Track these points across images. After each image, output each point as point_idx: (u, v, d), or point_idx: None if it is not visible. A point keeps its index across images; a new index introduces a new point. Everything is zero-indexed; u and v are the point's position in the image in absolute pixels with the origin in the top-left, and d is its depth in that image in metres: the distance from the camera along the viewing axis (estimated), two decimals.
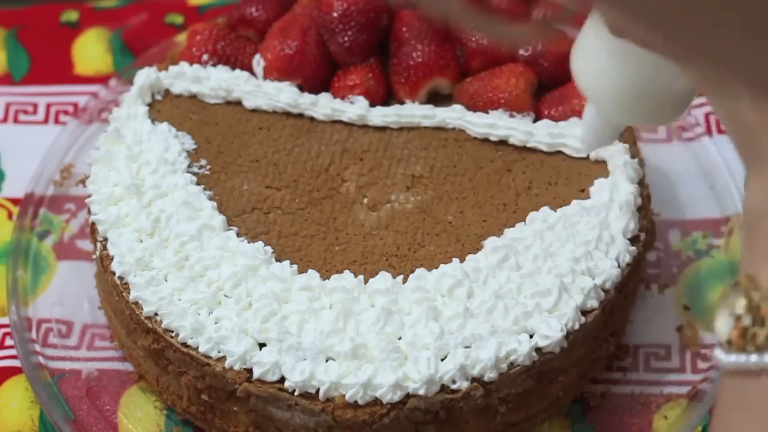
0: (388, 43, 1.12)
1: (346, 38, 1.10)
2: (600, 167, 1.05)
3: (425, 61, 1.10)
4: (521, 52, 1.11)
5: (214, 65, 1.13)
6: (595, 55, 0.87)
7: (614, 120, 0.93)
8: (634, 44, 0.77)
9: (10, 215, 1.17)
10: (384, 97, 1.12)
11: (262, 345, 0.94)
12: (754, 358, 0.69)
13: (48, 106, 1.26)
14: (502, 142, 1.07)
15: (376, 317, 0.94)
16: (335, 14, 1.10)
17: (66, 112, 1.25)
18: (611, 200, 1.02)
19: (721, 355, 0.71)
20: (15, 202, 1.17)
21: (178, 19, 1.34)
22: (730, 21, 0.69)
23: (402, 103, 1.11)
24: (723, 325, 0.71)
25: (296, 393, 0.92)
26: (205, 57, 1.13)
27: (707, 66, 0.74)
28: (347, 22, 1.10)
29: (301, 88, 1.11)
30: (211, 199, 1.04)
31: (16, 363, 1.06)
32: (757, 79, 0.72)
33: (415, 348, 0.92)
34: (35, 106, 1.26)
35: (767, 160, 0.73)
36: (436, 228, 1.02)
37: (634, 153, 1.06)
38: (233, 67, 1.13)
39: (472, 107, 1.09)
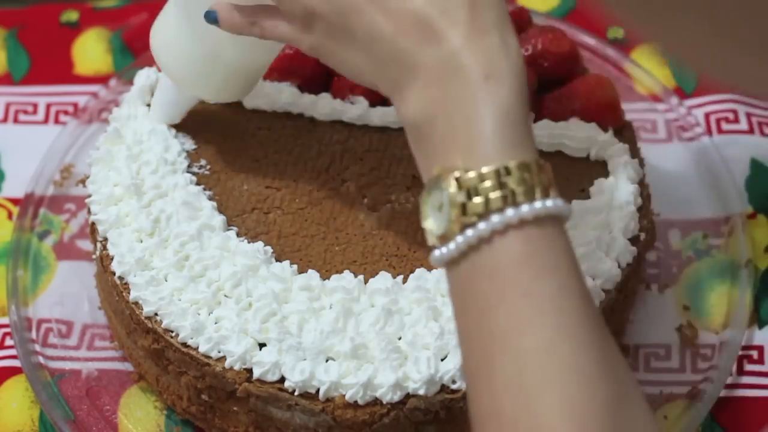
0: None
1: None
2: (600, 167, 1.05)
3: None
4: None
5: None
6: (172, 30, 0.99)
7: (186, 91, 1.03)
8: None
9: (10, 215, 1.17)
10: (384, 97, 1.11)
11: (262, 345, 0.94)
12: (482, 226, 0.75)
13: (48, 106, 1.26)
14: None
15: (376, 317, 0.94)
16: None
17: (66, 112, 1.25)
18: (611, 200, 1.01)
19: (439, 254, 0.78)
20: (15, 202, 1.17)
21: None
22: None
23: None
24: (434, 223, 0.78)
25: (296, 393, 0.92)
26: None
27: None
28: None
29: (301, 89, 1.11)
30: (211, 199, 1.04)
31: (16, 363, 1.06)
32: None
33: (415, 348, 0.92)
34: (35, 106, 1.26)
35: (412, 69, 0.80)
36: None
37: (634, 153, 1.06)
38: None
39: None
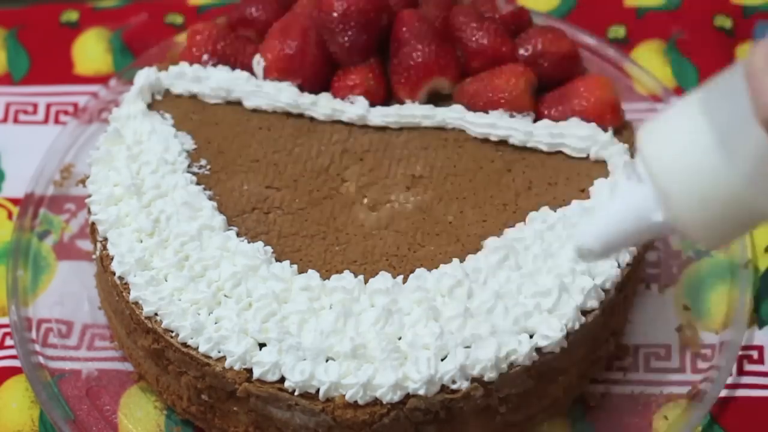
0: (388, 43, 1.12)
1: (346, 38, 1.10)
2: (600, 167, 1.05)
3: (425, 61, 1.10)
4: (521, 51, 1.11)
5: (214, 65, 1.13)
6: (697, 148, 0.69)
7: (689, 234, 0.73)
8: None
9: (10, 215, 1.17)
10: (384, 97, 1.12)
11: (262, 345, 0.94)
12: None
13: (48, 106, 1.26)
14: (502, 142, 1.07)
15: (376, 317, 0.94)
16: (335, 14, 1.10)
17: (66, 112, 1.25)
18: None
19: None
20: (15, 202, 1.17)
21: (178, 19, 1.34)
22: None
23: (402, 103, 1.11)
24: None
25: (296, 393, 0.92)
26: (205, 57, 1.13)
27: None
28: (347, 23, 1.10)
29: (302, 88, 1.11)
30: (211, 199, 1.04)
31: (16, 363, 1.06)
32: None
33: (415, 348, 0.92)
34: (35, 106, 1.26)
35: None
36: (436, 228, 1.02)
37: (634, 153, 1.06)
38: (233, 67, 1.13)
39: (472, 107, 1.09)
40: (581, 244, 0.77)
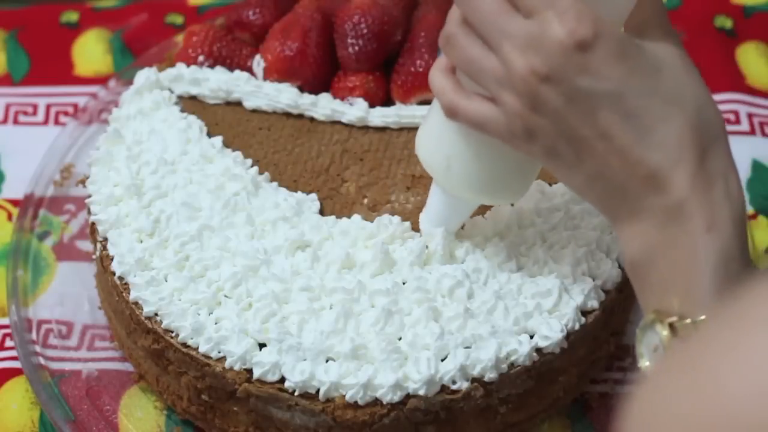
0: (398, 56, 1.12)
1: (356, 45, 1.10)
2: None
3: (425, 73, 1.10)
4: None
5: (210, 66, 1.13)
6: (446, 142, 0.90)
7: (470, 202, 0.95)
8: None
9: (9, 216, 1.17)
10: (383, 99, 1.12)
11: (262, 345, 0.94)
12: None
13: (48, 107, 1.26)
14: None
15: (377, 318, 0.94)
16: (351, 20, 1.10)
17: (66, 113, 1.25)
18: None
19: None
20: (15, 203, 1.17)
21: (178, 19, 1.34)
22: None
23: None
24: (649, 364, 0.80)
25: (296, 393, 0.92)
26: (200, 58, 1.13)
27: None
28: (360, 29, 1.10)
29: (301, 89, 1.12)
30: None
31: (16, 364, 1.06)
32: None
33: (415, 348, 0.92)
34: (35, 107, 1.26)
35: (636, 211, 0.80)
36: None
37: None
38: (229, 69, 1.13)
39: None
40: (425, 231, 0.98)
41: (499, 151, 0.88)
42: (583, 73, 0.78)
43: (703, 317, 0.76)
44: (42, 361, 1.05)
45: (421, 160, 0.94)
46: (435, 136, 0.92)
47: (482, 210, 1.00)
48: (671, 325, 0.78)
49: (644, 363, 0.80)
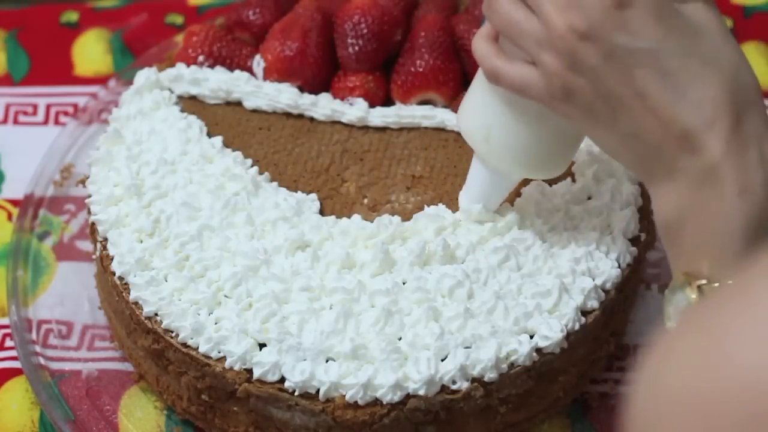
0: (397, 56, 1.12)
1: (356, 45, 1.10)
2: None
3: (425, 73, 1.10)
4: None
5: (210, 66, 1.13)
6: (489, 112, 0.92)
7: (510, 176, 0.96)
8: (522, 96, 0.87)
9: (9, 216, 1.17)
10: (383, 99, 1.12)
11: (262, 345, 0.94)
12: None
13: (48, 107, 1.26)
14: None
15: (377, 318, 0.94)
16: (351, 20, 1.10)
17: (66, 113, 1.25)
18: (612, 201, 1.02)
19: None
20: (15, 203, 1.17)
21: (178, 19, 1.34)
22: None
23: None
24: (675, 323, 0.80)
25: (296, 393, 0.92)
26: (200, 58, 1.13)
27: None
28: (360, 29, 1.10)
29: (301, 89, 1.11)
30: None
31: (16, 364, 1.06)
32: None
33: (415, 348, 0.92)
34: (35, 107, 1.26)
35: (670, 171, 0.79)
36: None
37: None
38: (229, 69, 1.13)
39: None
40: (464, 207, 0.99)
41: (540, 122, 0.90)
42: (621, 30, 0.80)
43: (730, 282, 0.77)
44: (42, 361, 1.05)
45: (461, 131, 0.95)
46: (476, 106, 0.93)
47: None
48: (700, 288, 0.78)
49: (671, 324, 0.80)
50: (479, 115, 0.93)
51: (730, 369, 0.54)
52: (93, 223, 1.03)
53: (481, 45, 0.90)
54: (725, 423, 0.53)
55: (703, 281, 0.79)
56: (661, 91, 0.80)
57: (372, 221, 1.01)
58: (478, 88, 0.93)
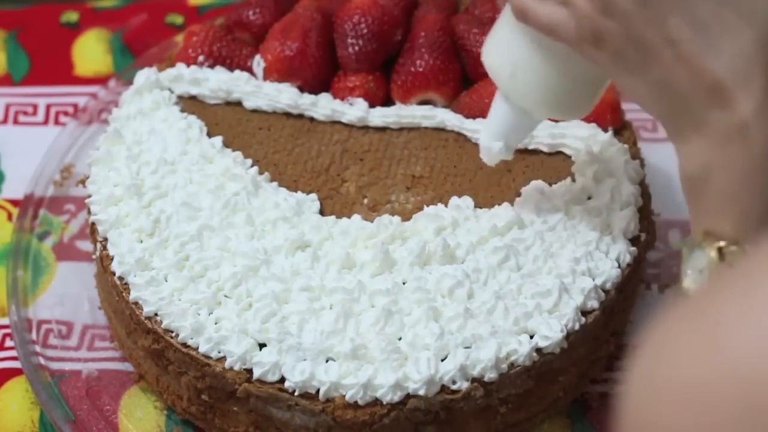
0: (397, 56, 1.12)
1: (356, 45, 1.10)
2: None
3: (425, 73, 1.10)
4: None
5: (210, 66, 1.13)
6: (515, 49, 0.90)
7: (534, 114, 0.94)
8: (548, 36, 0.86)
9: (9, 216, 1.17)
10: (383, 100, 1.12)
11: (262, 345, 0.94)
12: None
13: (48, 107, 1.26)
14: None
15: (377, 318, 0.94)
16: (351, 20, 1.10)
17: (66, 113, 1.25)
18: (612, 201, 1.02)
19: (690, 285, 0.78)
20: (15, 203, 1.17)
21: (178, 19, 1.34)
22: None
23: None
24: (692, 283, 0.78)
25: (296, 393, 0.92)
26: (200, 58, 1.13)
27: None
28: (360, 29, 1.10)
29: (301, 89, 1.11)
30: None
31: (16, 364, 1.06)
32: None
33: (415, 348, 0.92)
34: (35, 107, 1.26)
35: (699, 125, 0.79)
36: None
37: (635, 153, 1.06)
38: (229, 69, 1.13)
39: (471, 116, 1.09)
40: (485, 144, 0.97)
41: (566, 62, 0.89)
42: None
43: (750, 246, 0.75)
44: (42, 361, 1.05)
45: (486, 67, 0.94)
46: (502, 43, 0.92)
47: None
48: (720, 250, 0.77)
49: (687, 282, 0.79)
50: (505, 51, 0.92)
51: (725, 359, 0.53)
52: (93, 223, 1.03)
53: None
54: (722, 413, 0.52)
55: (723, 243, 0.77)
56: (693, 41, 0.79)
57: (372, 221, 1.01)
58: (506, 24, 0.91)
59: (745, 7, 0.80)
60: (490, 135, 0.97)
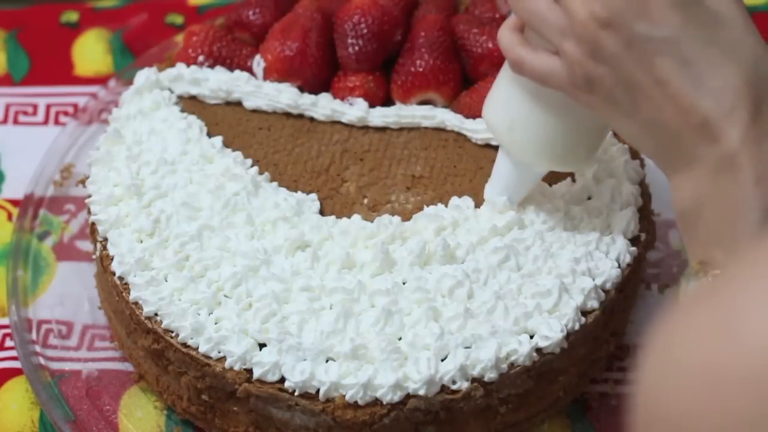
0: (397, 56, 1.12)
1: (356, 45, 1.10)
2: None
3: (425, 73, 1.10)
4: None
5: (210, 66, 1.13)
6: (513, 104, 0.93)
7: (535, 168, 0.97)
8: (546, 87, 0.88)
9: (9, 216, 1.17)
10: (383, 100, 1.12)
11: (262, 345, 0.94)
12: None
13: (48, 107, 1.26)
14: None
15: (377, 318, 0.94)
16: (351, 20, 1.10)
17: (66, 113, 1.25)
18: (612, 201, 1.02)
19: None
20: (15, 203, 1.17)
21: (178, 19, 1.34)
22: None
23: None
24: None
25: (296, 393, 0.92)
26: (200, 58, 1.13)
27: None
28: (360, 29, 1.10)
29: (301, 89, 1.11)
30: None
31: (16, 364, 1.06)
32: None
33: (415, 348, 0.92)
34: (35, 107, 1.26)
35: (689, 160, 0.82)
36: None
37: (635, 153, 1.06)
38: (229, 69, 1.13)
39: (471, 116, 1.09)
40: (489, 198, 1.00)
41: (563, 114, 0.91)
42: (641, 18, 0.81)
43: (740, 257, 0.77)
44: (42, 361, 1.05)
45: (486, 122, 0.96)
46: (500, 99, 0.94)
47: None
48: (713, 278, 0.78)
49: None
50: (503, 106, 0.94)
51: (739, 345, 0.53)
52: (93, 223, 1.03)
53: (506, 35, 0.91)
54: (736, 399, 0.52)
55: (718, 271, 0.79)
56: (680, 79, 0.81)
57: (372, 221, 1.01)
58: (504, 81, 0.94)
59: (730, 44, 0.82)
60: (494, 189, 1.00)
